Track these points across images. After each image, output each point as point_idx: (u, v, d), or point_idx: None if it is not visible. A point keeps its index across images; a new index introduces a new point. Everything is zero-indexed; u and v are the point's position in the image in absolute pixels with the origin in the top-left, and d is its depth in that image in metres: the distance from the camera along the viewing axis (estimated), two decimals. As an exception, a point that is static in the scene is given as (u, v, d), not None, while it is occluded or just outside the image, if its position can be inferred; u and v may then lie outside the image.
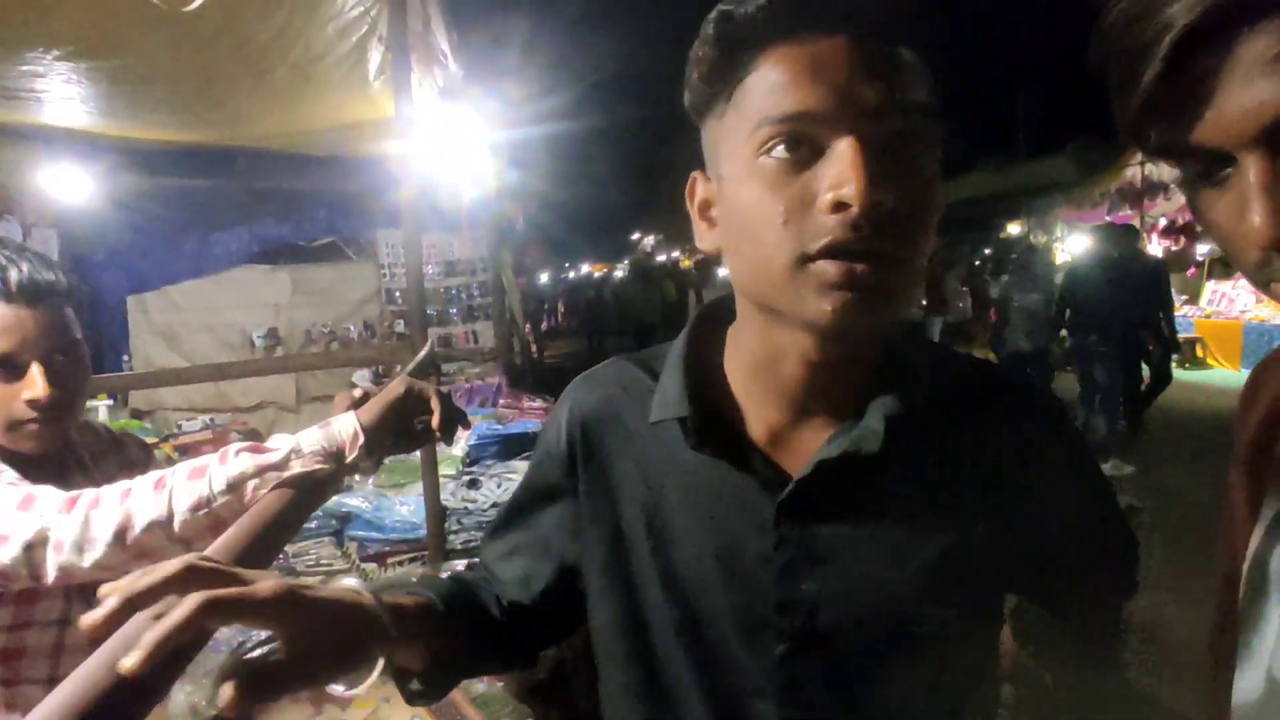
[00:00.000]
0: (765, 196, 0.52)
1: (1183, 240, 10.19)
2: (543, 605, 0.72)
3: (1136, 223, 10.06)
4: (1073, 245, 10.87)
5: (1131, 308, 5.27)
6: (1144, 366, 5.68)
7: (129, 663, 0.42)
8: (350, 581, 0.56)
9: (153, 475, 0.87)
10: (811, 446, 0.59)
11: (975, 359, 0.71)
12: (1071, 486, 0.63)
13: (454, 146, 3.35)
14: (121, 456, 1.17)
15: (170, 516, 0.83)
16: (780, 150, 0.51)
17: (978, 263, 11.11)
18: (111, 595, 0.44)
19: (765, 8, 0.52)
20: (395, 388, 0.92)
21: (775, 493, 0.59)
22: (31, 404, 0.94)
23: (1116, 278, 5.33)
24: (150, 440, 3.89)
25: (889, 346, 0.61)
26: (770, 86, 0.52)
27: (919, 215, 0.52)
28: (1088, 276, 5.50)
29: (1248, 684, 0.50)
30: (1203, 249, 9.48)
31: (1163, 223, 10.46)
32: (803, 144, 0.51)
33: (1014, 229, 13.45)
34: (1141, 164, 9.69)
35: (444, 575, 0.81)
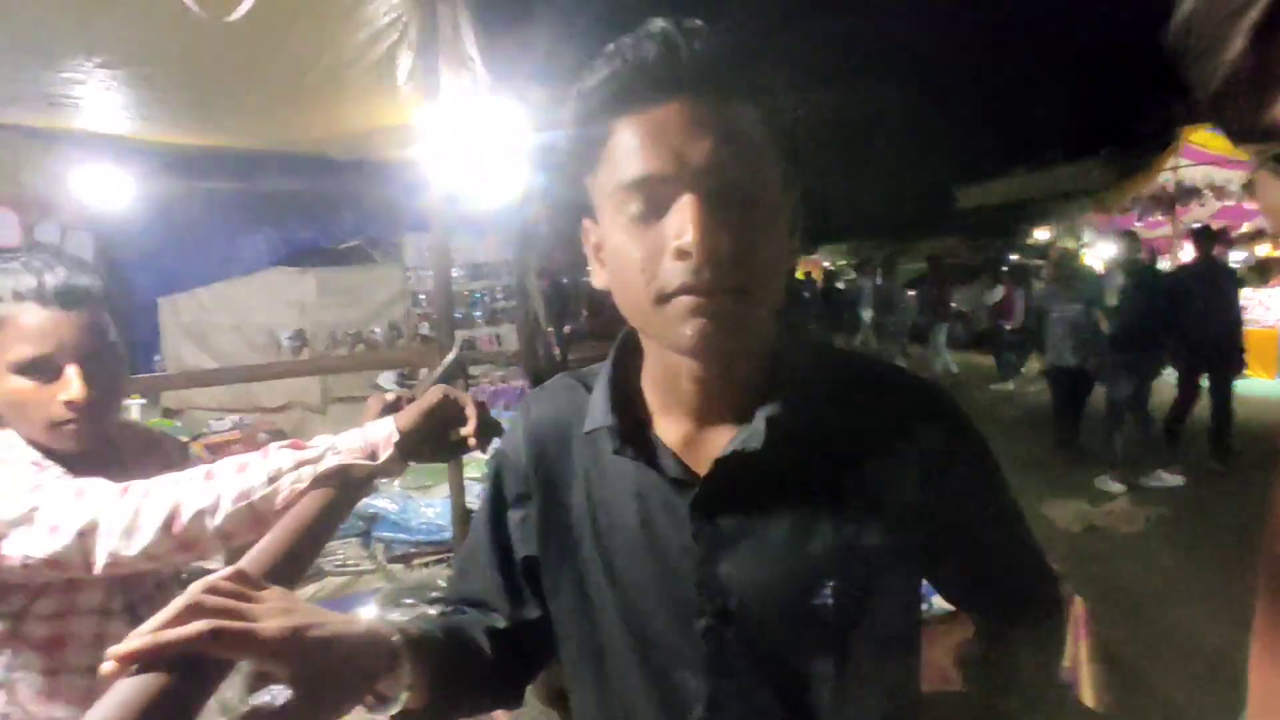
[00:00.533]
0: (628, 246, 0.61)
1: (1218, 247, 9.96)
2: (538, 612, 0.78)
3: (1169, 230, 9.88)
4: (1101, 252, 10.70)
5: (1208, 317, 5.07)
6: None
7: (106, 665, 0.45)
8: (369, 612, 0.58)
9: (203, 468, 0.91)
10: (715, 449, 0.67)
11: (867, 359, 0.80)
12: (957, 479, 0.69)
13: (481, 150, 3.37)
14: (159, 455, 1.20)
15: (216, 507, 0.85)
16: (635, 209, 0.60)
17: (1005, 269, 10.97)
18: (138, 639, 0.46)
19: (606, 85, 0.60)
20: (432, 395, 0.93)
21: (688, 491, 0.67)
22: (69, 405, 0.97)
23: (1195, 286, 5.10)
24: (181, 439, 3.97)
25: (775, 356, 0.69)
26: (622, 153, 0.60)
27: (759, 253, 0.59)
28: (1175, 285, 5.21)
29: None
30: (1237, 256, 9.28)
31: (1195, 228, 10.22)
32: (651, 201, 0.59)
33: (1041, 234, 13.26)
34: (1174, 169, 9.49)
35: (431, 613, 0.84)
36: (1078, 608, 2.04)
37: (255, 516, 0.85)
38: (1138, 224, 10.50)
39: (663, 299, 0.59)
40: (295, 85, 2.71)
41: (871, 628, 0.67)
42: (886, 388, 0.72)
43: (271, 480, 0.85)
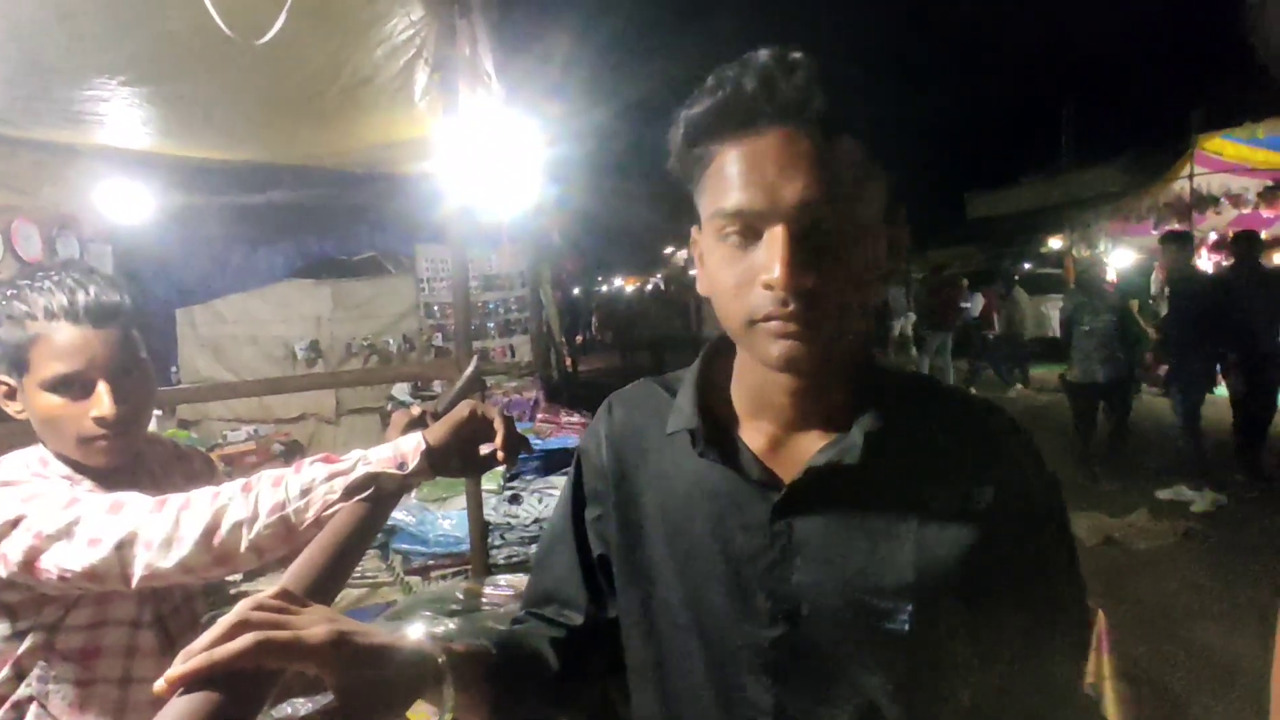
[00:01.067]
0: (723, 271, 0.64)
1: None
2: (614, 612, 0.79)
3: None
4: (1117, 260, 10.62)
5: (1256, 324, 4.84)
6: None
7: (160, 682, 0.46)
8: (417, 628, 0.59)
9: (240, 480, 0.92)
10: (802, 457, 0.69)
11: (958, 389, 0.81)
12: (1023, 507, 0.68)
13: (496, 164, 3.40)
14: (187, 468, 1.21)
15: (254, 518, 0.86)
16: (731, 236, 0.63)
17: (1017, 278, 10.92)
18: (189, 660, 0.47)
19: (709, 115, 0.63)
20: (460, 410, 0.94)
21: (770, 495, 0.68)
22: (99, 422, 0.98)
23: (1243, 292, 4.84)
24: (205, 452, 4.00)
25: (869, 373, 0.71)
26: (720, 181, 0.63)
27: (844, 287, 0.61)
28: (1227, 290, 4.91)
29: None
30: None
31: (1213, 237, 10.14)
32: (745, 231, 0.62)
33: (1055, 243, 13.18)
34: (1190, 177, 9.42)
35: (500, 627, 0.85)
36: (1100, 622, 2.02)
37: (288, 529, 0.85)
38: (1154, 232, 10.41)
39: (751, 322, 0.62)
40: (314, 102, 2.75)
41: (930, 649, 0.66)
42: (975, 417, 0.73)
43: (305, 493, 0.85)
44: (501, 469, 2.78)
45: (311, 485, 0.86)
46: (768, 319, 0.61)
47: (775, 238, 0.60)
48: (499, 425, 0.93)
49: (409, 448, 0.89)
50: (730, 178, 0.62)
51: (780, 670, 0.67)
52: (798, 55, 0.61)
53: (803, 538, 0.67)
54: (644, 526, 0.74)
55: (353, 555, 0.73)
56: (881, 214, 0.64)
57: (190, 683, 0.46)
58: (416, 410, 1.05)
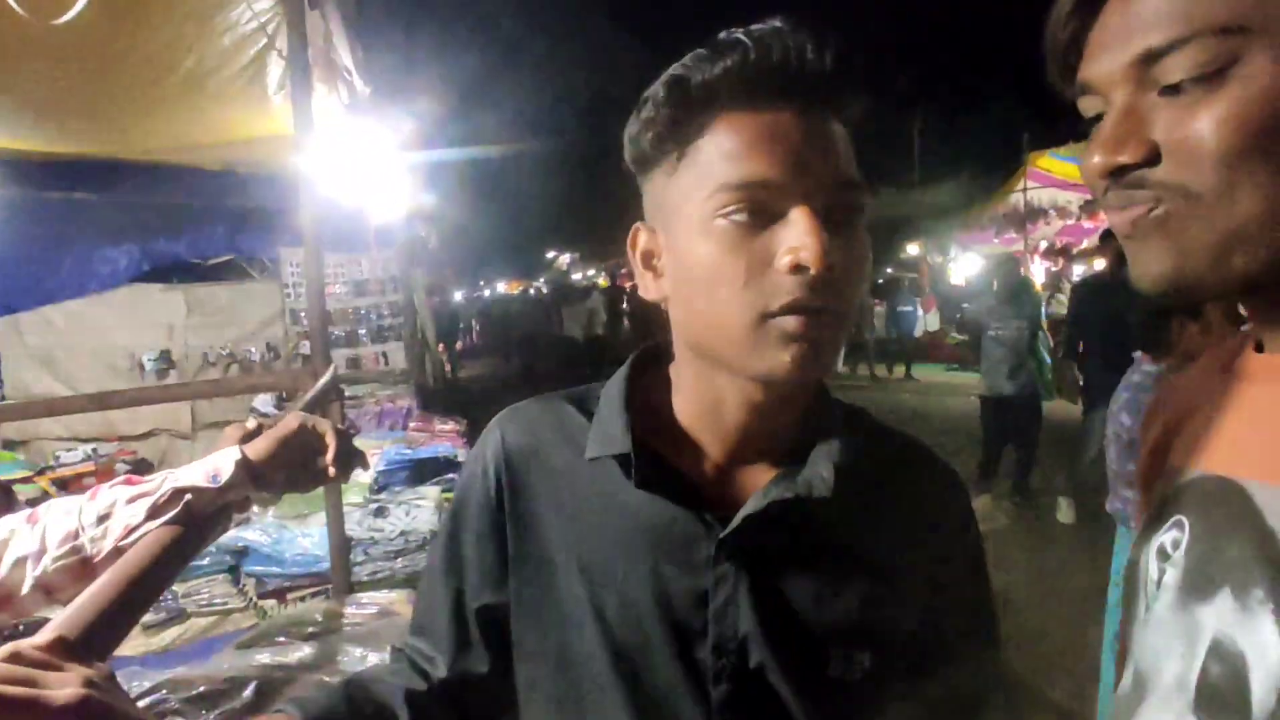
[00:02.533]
0: (724, 257, 0.55)
1: (1062, 262, 10.98)
2: (484, 667, 0.70)
3: (1021, 245, 10.78)
4: (965, 266, 11.52)
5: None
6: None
7: None
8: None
9: (25, 511, 0.81)
10: (748, 487, 0.62)
11: (888, 426, 0.73)
12: (962, 560, 0.68)
13: (361, 164, 3.27)
14: None
15: (41, 553, 0.76)
16: (738, 215, 0.54)
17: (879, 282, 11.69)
18: None
19: (721, 78, 0.55)
20: (288, 422, 0.88)
21: (714, 530, 0.60)
22: None
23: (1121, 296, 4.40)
24: (23, 475, 3.58)
25: (820, 397, 0.65)
26: (727, 152, 0.55)
27: (858, 274, 0.56)
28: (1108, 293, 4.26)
29: (1124, 680, 0.53)
30: (1079, 269, 10.23)
31: (1043, 245, 11.24)
32: (760, 209, 0.54)
33: (912, 249, 14.16)
34: (1024, 191, 10.39)
35: (336, 680, 0.75)
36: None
37: (83, 563, 0.76)
38: (995, 240, 11.40)
39: (766, 316, 0.54)
40: (151, 90, 2.54)
41: (891, 703, 0.62)
42: (919, 459, 0.69)
43: (102, 519, 0.77)
44: (368, 480, 2.67)
45: (110, 510, 0.77)
46: (787, 310, 0.53)
47: (802, 216, 0.53)
48: (330, 439, 0.88)
49: (222, 460, 0.82)
50: (743, 146, 0.54)
51: None
52: (825, 32, 0.55)
53: (749, 580, 0.60)
54: (554, 571, 0.65)
55: (150, 591, 0.65)
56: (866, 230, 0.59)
57: None
58: (253, 424, 0.98)
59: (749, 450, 0.63)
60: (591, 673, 0.63)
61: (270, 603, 2.05)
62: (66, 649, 0.47)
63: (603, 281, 16.07)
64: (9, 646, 0.44)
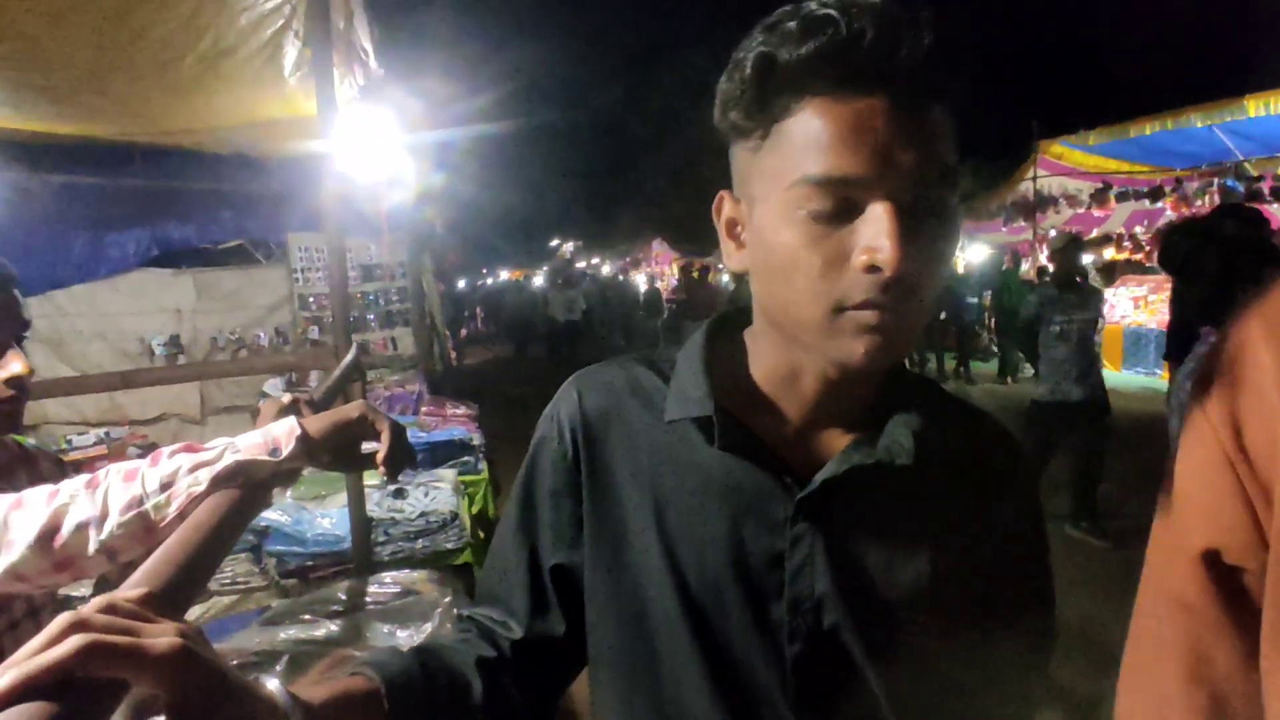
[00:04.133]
0: (802, 250, 0.55)
1: (1070, 251, 10.92)
2: (560, 627, 0.70)
3: (1029, 235, 10.74)
4: (972, 255, 11.47)
5: None
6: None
7: None
8: (272, 683, 0.50)
9: (84, 476, 0.82)
10: (826, 451, 0.63)
11: (959, 396, 0.74)
12: (1030, 531, 0.68)
13: (374, 148, 3.26)
14: (33, 470, 1.09)
15: (104, 517, 0.77)
16: (820, 209, 0.54)
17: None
18: (8, 674, 0.39)
19: (810, 60, 0.53)
20: (350, 409, 0.87)
21: (793, 492, 0.61)
22: None
23: None
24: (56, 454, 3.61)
25: (897, 368, 0.65)
26: (810, 141, 0.54)
27: (938, 270, 0.56)
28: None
29: None
30: (1087, 258, 10.20)
31: (1052, 234, 11.16)
32: (841, 203, 0.54)
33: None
34: (1034, 179, 10.32)
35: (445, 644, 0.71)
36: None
37: (147, 528, 0.77)
38: (1003, 229, 11.34)
39: (839, 310, 0.54)
40: (166, 71, 2.53)
41: (964, 666, 0.62)
42: (990, 430, 0.69)
43: (165, 486, 0.77)
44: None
45: (173, 478, 0.78)
46: (862, 307, 0.53)
47: (882, 214, 0.52)
48: (386, 437, 0.86)
49: (282, 432, 0.82)
50: (826, 137, 0.53)
51: (803, 693, 0.60)
52: (923, 13, 0.52)
53: (826, 542, 0.60)
54: (629, 531, 0.65)
55: (217, 553, 0.66)
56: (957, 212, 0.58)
57: (12, 695, 0.38)
58: (288, 398, 0.99)
59: (825, 416, 0.64)
60: (666, 631, 0.63)
61: (292, 581, 2.06)
62: (154, 604, 0.47)
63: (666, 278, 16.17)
64: (104, 597, 0.44)
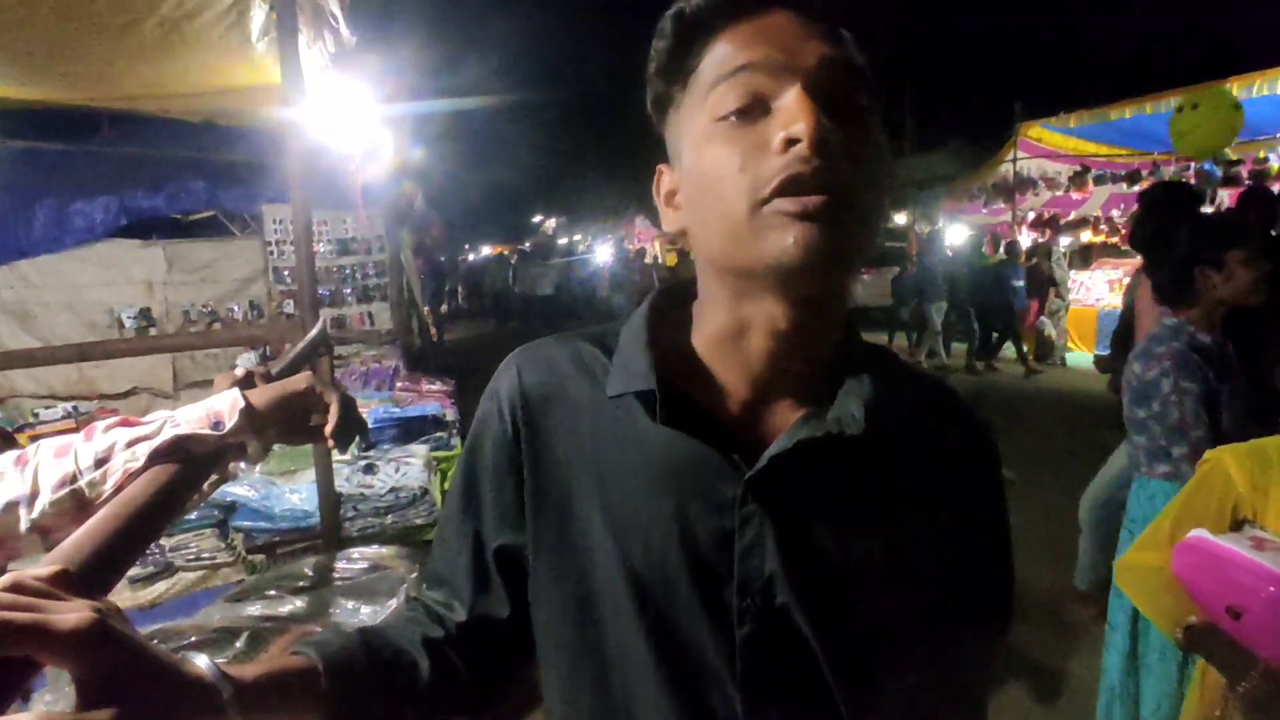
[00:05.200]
0: (721, 153, 0.55)
1: (1048, 232, 11.02)
2: (505, 610, 0.68)
3: (1009, 216, 10.80)
4: (952, 235, 11.54)
5: None
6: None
7: None
8: (201, 660, 0.48)
9: (13, 452, 0.78)
10: (775, 426, 0.60)
11: (915, 365, 0.73)
12: (989, 506, 0.67)
13: (348, 117, 3.19)
14: None
15: (34, 495, 0.74)
16: (733, 107, 0.54)
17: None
18: None
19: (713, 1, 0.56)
20: (297, 381, 0.85)
21: (741, 470, 0.58)
22: None
23: None
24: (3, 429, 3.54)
25: (848, 334, 0.63)
26: (721, 58, 0.56)
27: (865, 162, 0.54)
28: None
29: None
30: (1064, 240, 10.28)
31: (1030, 216, 11.26)
32: (753, 102, 0.54)
33: (899, 219, 14.16)
34: (1014, 161, 10.37)
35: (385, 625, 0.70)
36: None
37: (81, 506, 0.74)
38: (984, 210, 11.41)
39: (762, 203, 0.52)
40: (127, 33, 2.45)
41: (920, 646, 0.61)
42: (948, 399, 0.68)
43: (100, 463, 0.75)
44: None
45: (109, 453, 0.75)
46: (783, 189, 0.52)
47: (795, 94, 0.53)
48: (334, 410, 0.84)
49: (224, 405, 0.79)
50: (736, 46, 0.55)
51: (752, 675, 0.59)
52: None
53: (777, 520, 0.58)
54: (573, 510, 0.63)
55: (146, 531, 0.63)
56: (885, 138, 0.58)
57: None
58: (241, 371, 0.96)
59: (775, 387, 0.61)
60: (611, 613, 0.61)
61: (259, 557, 2.05)
62: (68, 581, 0.45)
63: (670, 259, 16.35)
64: (10, 576, 0.42)
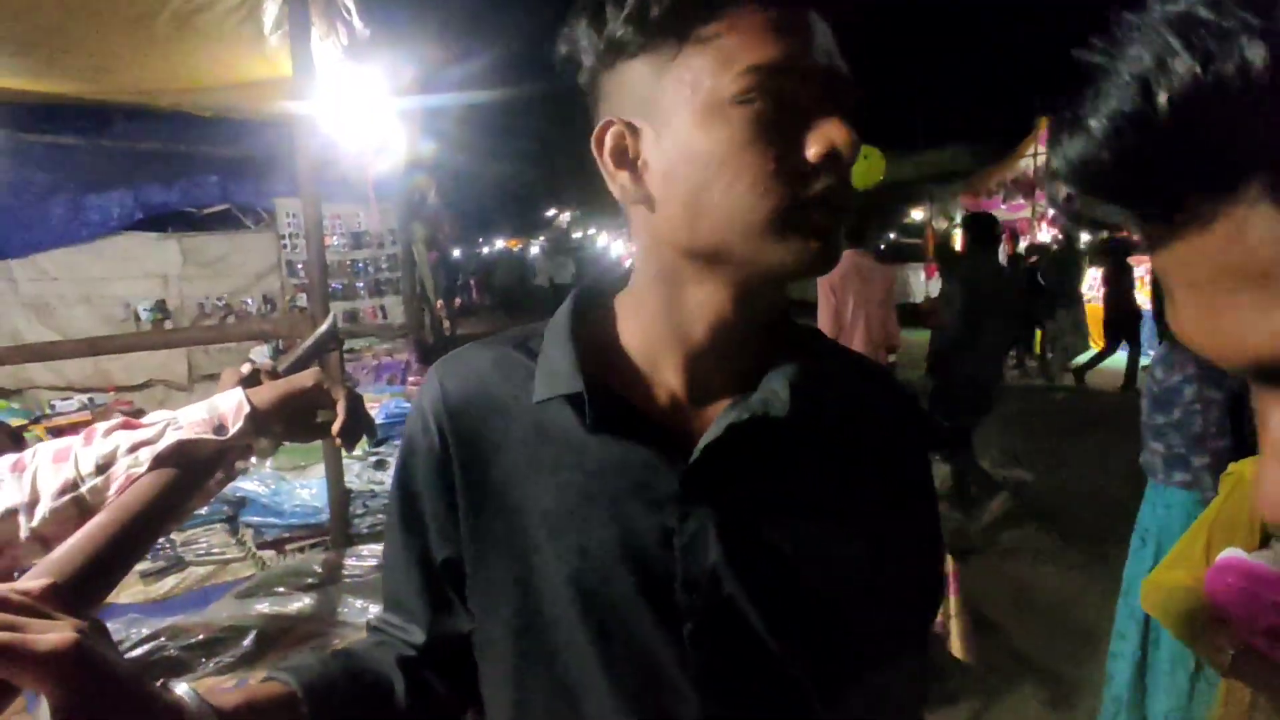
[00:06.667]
0: (748, 144, 0.52)
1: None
2: (465, 623, 0.67)
3: (1029, 212, 10.66)
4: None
5: None
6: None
7: None
8: (181, 687, 0.47)
9: (9, 458, 0.76)
10: (708, 419, 0.59)
11: (844, 347, 0.72)
12: (919, 479, 0.67)
13: (360, 111, 3.18)
14: None
15: (34, 503, 0.72)
16: (761, 100, 0.52)
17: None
18: None
19: None
20: (303, 378, 0.83)
21: (677, 464, 0.58)
22: None
23: None
24: (19, 423, 3.56)
25: (777, 322, 0.63)
26: (749, 33, 0.52)
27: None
28: None
29: None
30: (1084, 237, 10.12)
31: (1052, 212, 11.06)
32: (782, 97, 0.52)
33: (917, 214, 14.02)
34: (1034, 155, 10.22)
35: (330, 650, 0.73)
36: (948, 565, 2.18)
37: (83, 513, 0.71)
38: (1002, 206, 11.27)
39: (796, 206, 0.52)
40: (139, 27, 2.44)
41: (862, 631, 0.60)
42: (875, 379, 0.68)
43: (102, 468, 0.72)
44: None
45: (111, 458, 0.73)
46: (818, 201, 0.52)
47: (832, 105, 0.53)
48: (341, 408, 0.82)
49: (228, 408, 0.77)
50: (766, 28, 0.51)
51: (701, 669, 0.58)
52: None
53: (718, 511, 0.57)
54: (509, 521, 0.61)
55: (141, 540, 0.61)
56: None
57: None
58: (247, 368, 0.94)
59: (708, 381, 0.61)
60: (554, 624, 0.59)
61: (268, 553, 2.04)
62: (57, 596, 0.43)
63: None
64: None
